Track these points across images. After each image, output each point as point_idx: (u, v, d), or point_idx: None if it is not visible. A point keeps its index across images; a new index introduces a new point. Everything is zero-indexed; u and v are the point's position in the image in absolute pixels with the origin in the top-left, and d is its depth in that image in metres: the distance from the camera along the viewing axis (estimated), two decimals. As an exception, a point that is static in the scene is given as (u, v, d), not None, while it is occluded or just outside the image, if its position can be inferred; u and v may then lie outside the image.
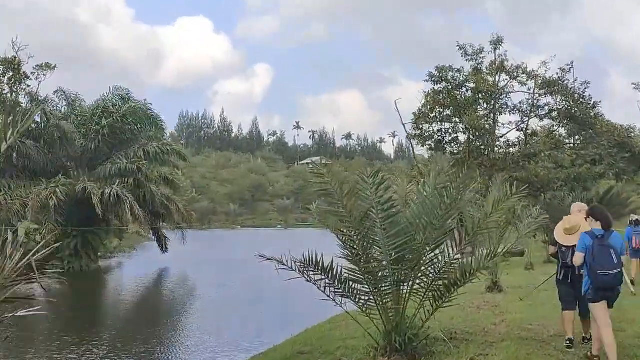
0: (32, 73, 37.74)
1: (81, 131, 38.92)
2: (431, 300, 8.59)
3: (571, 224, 8.83)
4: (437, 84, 34.01)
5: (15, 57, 37.22)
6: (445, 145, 34.67)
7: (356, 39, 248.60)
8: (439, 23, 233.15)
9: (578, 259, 8.08)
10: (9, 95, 37.13)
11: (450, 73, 33.84)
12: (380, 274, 8.46)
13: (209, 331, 19.67)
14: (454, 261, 8.56)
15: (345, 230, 8.34)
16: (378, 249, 8.35)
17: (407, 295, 8.51)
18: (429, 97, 34.07)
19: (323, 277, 8.48)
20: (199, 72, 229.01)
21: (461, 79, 34.06)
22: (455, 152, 34.57)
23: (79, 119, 39.60)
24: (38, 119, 39.28)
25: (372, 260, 8.38)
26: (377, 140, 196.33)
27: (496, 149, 34.98)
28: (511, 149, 35.42)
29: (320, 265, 8.38)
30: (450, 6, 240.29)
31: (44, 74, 37.44)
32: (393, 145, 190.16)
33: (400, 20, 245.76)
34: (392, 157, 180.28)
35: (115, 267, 42.69)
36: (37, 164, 38.33)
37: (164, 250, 42.17)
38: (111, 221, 40.50)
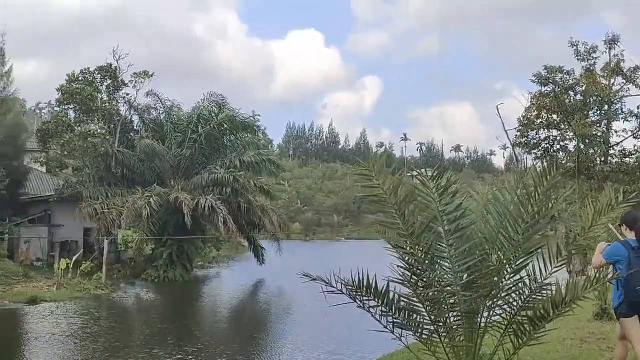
0: (130, 81, 37.85)
1: (178, 139, 38.81)
2: (513, 337, 6.82)
3: None
4: (544, 86, 31.45)
5: (111, 65, 37.40)
6: (553, 154, 31.97)
7: (468, 52, 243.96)
8: (554, 35, 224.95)
9: (598, 261, 7.47)
10: (107, 104, 37.32)
11: (560, 75, 31.20)
12: (446, 302, 6.76)
13: (300, 348, 18.99)
14: (545, 286, 6.79)
15: (404, 246, 6.71)
16: (446, 269, 6.68)
17: (483, 330, 6.79)
18: (534, 101, 31.57)
19: (377, 303, 6.88)
20: (309, 85, 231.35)
21: (571, 81, 31.35)
22: (564, 161, 31.78)
23: (176, 127, 39.52)
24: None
25: (435, 284, 6.67)
26: (487, 153, 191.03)
27: (610, 158, 31.94)
28: (627, 159, 32.20)
29: (373, 288, 6.77)
30: (566, 17, 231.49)
31: (141, 82, 37.44)
32: (504, 157, 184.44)
33: (513, 32, 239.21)
34: (503, 169, 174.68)
35: (212, 277, 42.37)
36: (134, 172, 38.51)
37: (260, 262, 41.47)
38: (208, 231, 40.18)
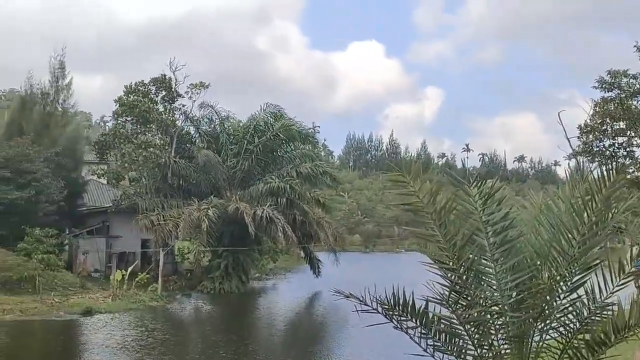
0: (185, 92, 37.89)
1: (233, 150, 38.68)
2: (570, 363, 6.03)
3: None
4: (607, 92, 29.91)
5: (165, 76, 37.50)
6: (618, 162, 30.29)
7: (531, 61, 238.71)
8: (621, 42, 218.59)
9: None
10: (163, 115, 37.44)
11: (624, 79, 29.61)
12: (492, 324, 6.02)
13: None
14: (606, 306, 6.00)
15: (444, 261, 6.01)
16: (490, 287, 5.96)
17: (534, 355, 6.03)
18: (597, 107, 30.09)
19: (416, 324, 6.19)
20: (370, 96, 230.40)
21: (637, 85, 29.71)
22: (631, 170, 30.04)
23: (231, 138, 39.40)
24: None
25: (478, 304, 5.94)
26: (552, 163, 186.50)
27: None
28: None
29: (409, 308, 6.10)
30: (630, 23, 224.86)
31: (197, 93, 37.45)
32: (568, 167, 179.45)
33: (578, 39, 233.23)
34: (567, 179, 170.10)
35: (268, 289, 42.01)
36: (190, 184, 38.51)
37: (316, 274, 40.92)
38: (264, 242, 39.89)
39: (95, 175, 42.69)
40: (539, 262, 5.92)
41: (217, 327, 28.91)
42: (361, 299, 6.36)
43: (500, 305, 5.90)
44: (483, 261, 5.88)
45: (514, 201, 6.83)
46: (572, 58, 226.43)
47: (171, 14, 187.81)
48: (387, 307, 6.18)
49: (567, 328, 6.09)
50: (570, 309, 6.09)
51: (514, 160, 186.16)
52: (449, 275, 6.04)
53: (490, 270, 5.85)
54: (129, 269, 32.57)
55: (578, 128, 31.30)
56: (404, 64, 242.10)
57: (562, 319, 6.10)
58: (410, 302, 6.10)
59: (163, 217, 34.64)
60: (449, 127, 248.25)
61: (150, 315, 28.94)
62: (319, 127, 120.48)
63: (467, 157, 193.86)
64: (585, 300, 6.10)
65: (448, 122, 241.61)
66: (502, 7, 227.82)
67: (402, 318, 6.22)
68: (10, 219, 33.22)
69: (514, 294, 5.89)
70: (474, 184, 5.71)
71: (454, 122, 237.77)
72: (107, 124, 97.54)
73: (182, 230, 33.46)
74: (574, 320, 6.10)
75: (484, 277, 5.95)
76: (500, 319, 5.97)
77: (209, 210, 33.77)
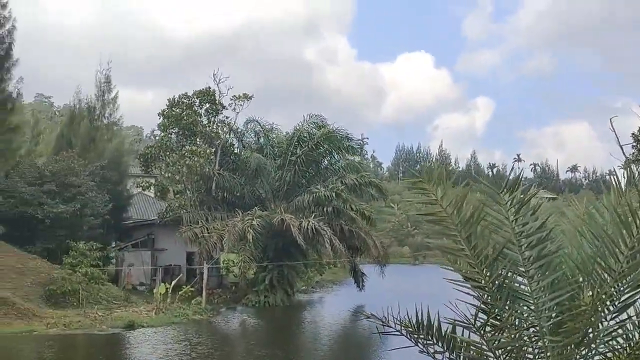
0: (229, 104, 37.72)
1: (277, 162, 38.34)
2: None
3: None
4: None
5: (209, 88, 37.40)
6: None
7: (583, 69, 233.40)
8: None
9: None
10: (207, 127, 37.33)
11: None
12: (530, 349, 5.31)
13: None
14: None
15: (473, 277, 5.33)
16: (524, 308, 5.26)
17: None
18: (654, 111, 28.88)
19: (442, 349, 5.53)
20: (419, 107, 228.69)
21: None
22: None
23: (275, 150, 39.08)
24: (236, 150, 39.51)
25: (510, 327, 5.24)
26: (606, 173, 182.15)
27: None
28: None
29: (435, 331, 5.44)
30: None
31: (240, 104, 37.24)
32: (623, 177, 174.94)
33: (631, 47, 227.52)
34: (623, 189, 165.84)
35: (314, 302, 41.49)
36: (234, 196, 38.26)
37: (360, 287, 40.19)
38: (310, 255, 39.35)
39: (140, 188, 42.88)
40: (581, 279, 5.21)
41: (261, 341, 28.49)
42: (383, 320, 5.74)
43: (536, 329, 5.20)
44: (515, 278, 5.19)
45: (554, 210, 6.03)
46: (626, 66, 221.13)
47: (221, 28, 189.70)
48: (410, 329, 5.54)
49: (616, 353, 5.34)
50: (618, 331, 5.34)
51: (567, 170, 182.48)
52: (478, 293, 5.37)
53: (525, 288, 5.15)
54: (173, 282, 32.38)
55: (632, 136, 30.09)
56: (453, 74, 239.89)
57: (609, 343, 5.36)
58: (436, 325, 5.45)
59: (207, 230, 34.40)
60: (499, 138, 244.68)
61: (194, 329, 28.67)
62: (367, 138, 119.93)
63: (519, 168, 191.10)
64: (637, 322, 5.37)
65: (499, 133, 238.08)
66: (553, 15, 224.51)
67: (428, 342, 5.57)
68: (56, 233, 33.50)
69: (553, 315, 5.19)
70: (506, 190, 5.02)
71: (504, 132, 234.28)
72: (157, 137, 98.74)
73: (227, 241, 33.13)
74: (624, 345, 5.35)
75: (517, 296, 5.24)
76: (537, 344, 5.26)
77: (253, 221, 33.39)
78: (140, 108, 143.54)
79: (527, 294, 5.15)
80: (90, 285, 30.31)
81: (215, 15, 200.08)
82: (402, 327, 5.60)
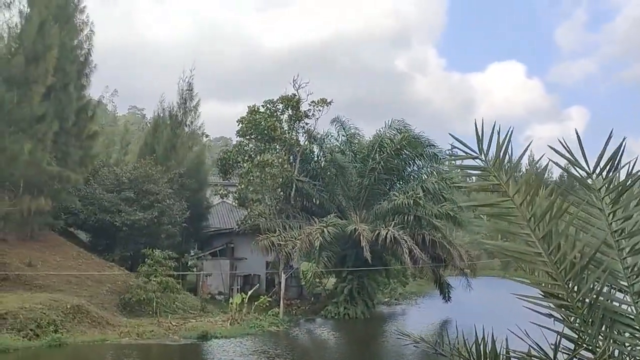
0: (308, 109, 36.76)
1: (357, 168, 37.05)
2: None
3: None
4: None
5: (294, 95, 36.55)
6: None
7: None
8: None
9: None
10: (287, 134, 36.47)
11: None
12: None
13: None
14: None
15: (553, 292, 3.90)
16: (629, 334, 3.79)
17: None
18: None
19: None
20: (510, 117, 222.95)
21: None
22: None
23: (357, 156, 37.82)
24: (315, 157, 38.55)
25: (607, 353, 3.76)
26: None
27: None
28: None
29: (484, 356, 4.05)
30: None
31: (319, 110, 36.22)
32: None
33: None
34: None
35: (396, 314, 39.91)
36: (313, 204, 37.23)
37: (446, 299, 38.28)
38: (391, 265, 37.79)
39: (218, 196, 42.47)
40: None
41: (338, 354, 27.37)
42: (436, 347, 4.40)
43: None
44: (616, 294, 3.75)
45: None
46: None
47: (311, 40, 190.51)
48: (456, 352, 4.19)
49: None
50: None
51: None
52: (562, 315, 3.94)
53: (628, 308, 3.70)
54: (250, 292, 31.53)
55: None
56: (546, 84, 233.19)
57: None
58: (505, 354, 4.06)
59: (284, 238, 33.44)
60: (595, 148, 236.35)
61: (270, 340, 27.72)
62: (457, 149, 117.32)
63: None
64: None
65: (594, 142, 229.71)
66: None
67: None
68: (135, 241, 33.31)
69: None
70: (598, 172, 3.60)
71: (599, 142, 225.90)
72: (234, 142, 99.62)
73: (299, 249, 32.04)
74: None
75: (617, 319, 3.77)
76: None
77: (325, 229, 32.18)
78: (229, 119, 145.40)
79: (631, 316, 3.69)
80: (165, 294, 29.80)
81: (306, 28, 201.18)
82: (459, 357, 4.24)
